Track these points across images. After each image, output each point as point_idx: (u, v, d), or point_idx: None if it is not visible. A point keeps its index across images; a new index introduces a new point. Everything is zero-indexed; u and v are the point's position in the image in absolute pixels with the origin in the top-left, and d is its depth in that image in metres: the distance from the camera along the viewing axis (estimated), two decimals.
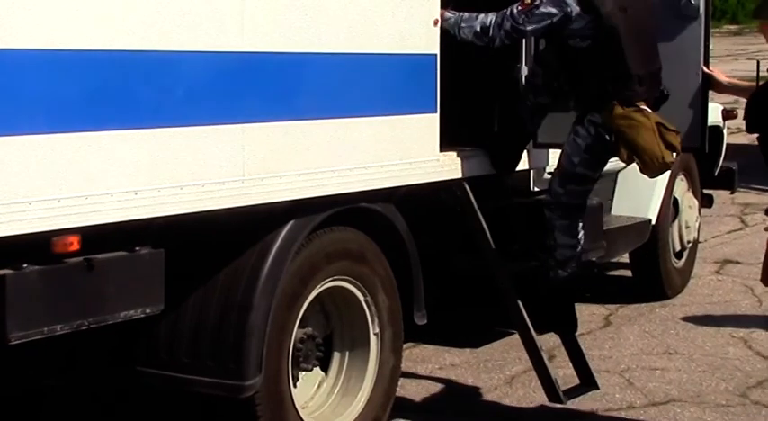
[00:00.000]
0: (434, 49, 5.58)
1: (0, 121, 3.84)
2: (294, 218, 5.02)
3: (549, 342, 7.46)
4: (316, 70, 4.98)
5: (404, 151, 5.45)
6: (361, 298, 5.50)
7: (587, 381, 6.26)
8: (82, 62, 4.08)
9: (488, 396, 6.57)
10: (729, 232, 11.20)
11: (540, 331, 6.17)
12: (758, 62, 6.03)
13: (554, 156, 6.54)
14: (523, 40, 6.16)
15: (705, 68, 5.96)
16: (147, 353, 4.95)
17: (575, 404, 6.26)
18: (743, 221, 11.77)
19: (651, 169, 5.78)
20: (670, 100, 6.01)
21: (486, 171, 6.10)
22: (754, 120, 5.59)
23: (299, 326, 5.18)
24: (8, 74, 3.86)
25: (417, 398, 6.51)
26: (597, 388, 6.27)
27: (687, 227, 8.83)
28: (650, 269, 8.62)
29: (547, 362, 6.09)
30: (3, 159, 3.86)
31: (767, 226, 5.87)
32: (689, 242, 8.90)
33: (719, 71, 6.09)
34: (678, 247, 8.83)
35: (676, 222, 8.74)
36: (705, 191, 9.27)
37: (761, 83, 5.73)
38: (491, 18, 5.71)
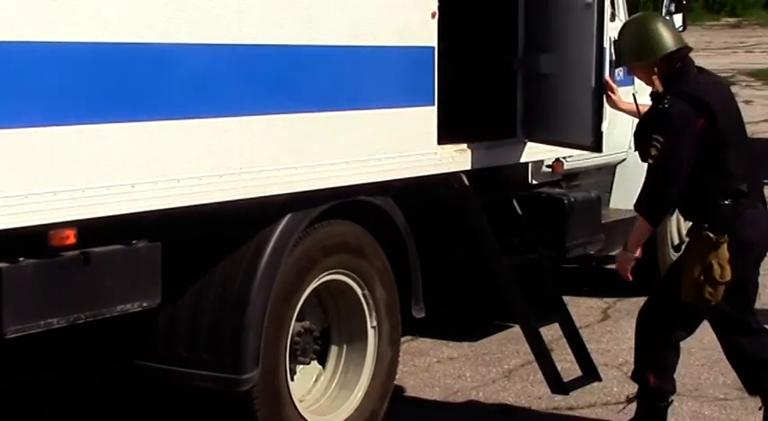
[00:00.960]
0: (432, 41, 5.56)
1: None
2: (291, 211, 5.01)
3: (547, 335, 7.46)
4: (313, 63, 4.97)
5: (402, 144, 5.44)
6: (359, 291, 5.49)
7: (589, 373, 6.25)
8: (77, 55, 4.06)
9: (486, 389, 6.56)
10: None
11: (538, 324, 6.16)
12: (634, 95, 5.89)
13: (551, 150, 6.54)
14: None
15: (609, 79, 5.89)
16: (144, 346, 4.94)
17: (572, 397, 6.26)
18: None
19: None
20: (567, 97, 5.96)
21: (484, 164, 6.08)
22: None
23: (297, 320, 5.17)
24: (4, 66, 3.85)
25: (415, 391, 6.51)
26: (599, 379, 6.26)
27: (686, 220, 8.81)
28: (648, 262, 8.60)
29: (549, 353, 6.09)
30: None
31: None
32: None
33: (615, 88, 5.96)
34: (677, 240, 8.80)
35: (674, 215, 8.72)
36: None
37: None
38: None
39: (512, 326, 7.70)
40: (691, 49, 5.45)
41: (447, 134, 5.74)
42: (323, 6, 4.96)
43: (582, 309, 8.25)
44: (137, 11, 4.23)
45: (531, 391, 6.48)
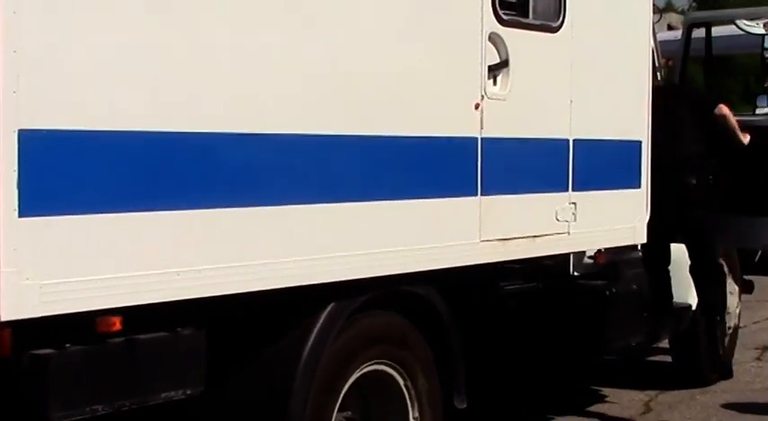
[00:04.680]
0: (475, 132, 5.59)
1: (44, 203, 3.86)
2: (334, 300, 5.00)
3: None
4: (356, 153, 4.99)
5: (444, 234, 5.44)
6: (401, 382, 5.44)
7: None
8: (122, 144, 4.08)
9: None
10: None
11: None
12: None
13: (594, 241, 6.53)
14: None
15: None
16: None
17: None
18: None
19: None
20: None
21: (527, 254, 6.07)
22: None
23: (339, 410, 5.13)
24: (49, 154, 3.88)
25: None
26: None
27: (728, 312, 8.74)
28: (691, 355, 8.54)
29: None
30: (46, 240, 3.86)
31: None
32: (729, 328, 8.81)
33: None
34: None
35: None
36: (745, 277, 9.21)
37: None
38: None
39: (552, 418, 7.63)
40: None
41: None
42: (366, 95, 5.00)
43: (623, 401, 8.17)
44: (181, 100, 4.26)
45: None
